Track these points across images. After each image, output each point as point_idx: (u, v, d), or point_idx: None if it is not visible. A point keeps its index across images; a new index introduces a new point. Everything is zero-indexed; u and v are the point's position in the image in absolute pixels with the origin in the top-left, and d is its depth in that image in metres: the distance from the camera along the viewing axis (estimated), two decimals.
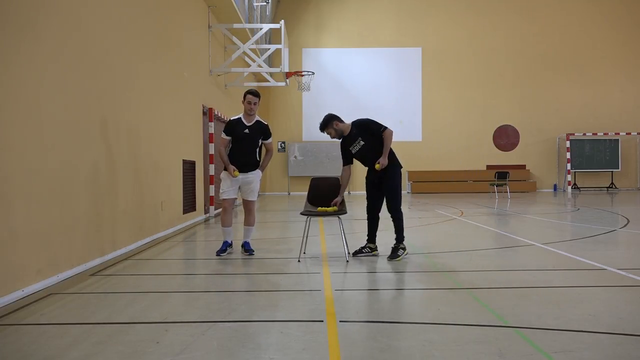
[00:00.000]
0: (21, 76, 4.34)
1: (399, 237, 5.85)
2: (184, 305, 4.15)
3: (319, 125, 6.14)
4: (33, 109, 4.50)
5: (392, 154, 5.89)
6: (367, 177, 6.10)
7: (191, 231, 8.99)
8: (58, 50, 4.95)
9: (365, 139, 5.87)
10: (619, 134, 21.00)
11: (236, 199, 6.25)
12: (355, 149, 5.93)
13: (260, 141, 6.34)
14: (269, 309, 3.93)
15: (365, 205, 6.13)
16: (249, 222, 6.37)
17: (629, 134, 21.00)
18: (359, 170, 22.18)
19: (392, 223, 5.89)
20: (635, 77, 21.31)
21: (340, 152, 6.16)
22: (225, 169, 6.10)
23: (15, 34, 4.27)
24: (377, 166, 5.72)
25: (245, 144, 6.17)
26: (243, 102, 6.33)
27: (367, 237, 6.13)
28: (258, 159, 6.27)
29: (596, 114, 21.25)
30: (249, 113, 6.31)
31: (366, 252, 6.06)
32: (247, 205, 6.31)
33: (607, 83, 21.29)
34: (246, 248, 6.25)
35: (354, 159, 6.09)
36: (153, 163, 7.70)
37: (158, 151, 7.97)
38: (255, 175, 6.22)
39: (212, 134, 11.47)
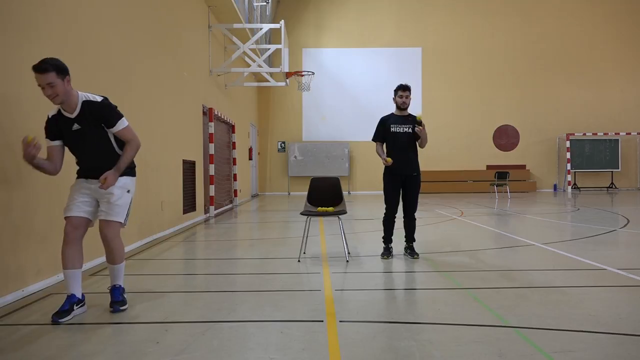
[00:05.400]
0: (21, 76, 4.34)
1: (414, 238, 6.07)
2: (184, 305, 4.14)
3: (406, 84, 6.05)
4: (33, 109, 4.50)
5: (418, 162, 6.02)
6: (388, 176, 5.99)
7: (191, 231, 8.99)
8: (58, 50, 4.94)
9: (413, 130, 5.94)
10: (619, 134, 21.00)
11: (89, 220, 3.88)
12: (398, 129, 5.93)
13: (105, 131, 3.81)
14: (269, 309, 3.93)
15: (385, 207, 6.02)
16: (108, 257, 3.98)
17: (629, 134, 21.00)
18: (359, 170, 21.94)
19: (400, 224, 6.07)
20: (635, 77, 21.30)
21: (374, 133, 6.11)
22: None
23: (15, 33, 4.27)
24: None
25: (82, 147, 3.84)
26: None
27: (385, 239, 6.07)
28: (115, 158, 3.87)
29: (596, 114, 21.25)
30: (54, 103, 3.70)
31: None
32: (102, 230, 3.86)
33: (607, 83, 21.29)
34: (113, 299, 3.92)
35: (384, 140, 6.08)
36: (153, 163, 7.69)
37: (158, 151, 7.96)
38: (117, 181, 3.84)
39: (212, 134, 11.47)
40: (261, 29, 13.65)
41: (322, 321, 3.57)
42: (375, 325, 3.57)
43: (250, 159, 18.19)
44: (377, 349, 3.07)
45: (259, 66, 13.84)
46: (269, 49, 14.70)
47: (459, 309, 3.88)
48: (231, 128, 14.17)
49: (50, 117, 3.79)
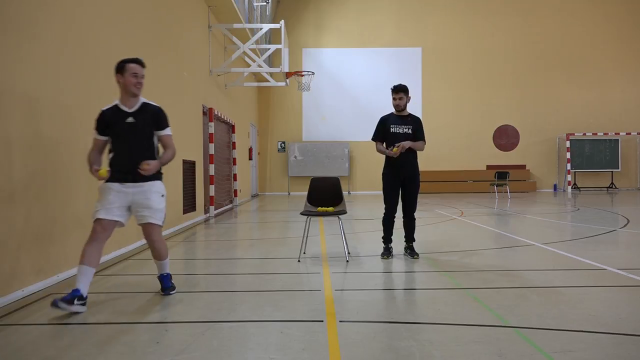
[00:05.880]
0: (21, 76, 4.34)
1: (413, 238, 6.06)
2: (184, 305, 4.14)
3: (399, 84, 6.02)
4: (33, 109, 4.50)
5: (417, 163, 6.00)
6: (387, 174, 5.99)
7: (191, 231, 8.98)
8: (58, 50, 4.95)
9: (412, 131, 5.94)
10: (619, 134, 21.00)
11: (117, 222, 4.12)
12: (398, 129, 5.92)
13: (153, 133, 4.28)
14: (269, 309, 3.93)
15: (385, 207, 6.01)
16: (155, 255, 4.39)
17: (629, 134, 20.99)
18: (359, 170, 21.94)
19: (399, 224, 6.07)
20: (636, 77, 21.30)
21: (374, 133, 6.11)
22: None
23: (15, 33, 4.27)
24: (395, 150, 5.72)
25: (129, 140, 4.16)
26: (120, 78, 4.20)
27: (385, 239, 6.06)
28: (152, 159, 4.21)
29: (596, 114, 21.25)
30: (134, 92, 4.18)
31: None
32: (146, 231, 4.25)
33: (607, 83, 21.29)
34: (164, 285, 4.42)
35: (384, 140, 6.06)
36: None
37: None
38: (151, 186, 4.19)
39: (212, 134, 11.47)
40: (261, 29, 13.65)
41: (322, 321, 3.57)
42: (375, 325, 3.57)
43: (250, 159, 18.19)
44: (377, 349, 3.07)
45: (259, 66, 13.84)
46: (269, 49, 14.70)
47: (459, 309, 3.88)
48: (231, 128, 14.17)
49: (103, 110, 4.17)
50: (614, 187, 21.18)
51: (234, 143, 14.31)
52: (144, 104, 4.24)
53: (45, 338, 3.36)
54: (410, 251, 5.99)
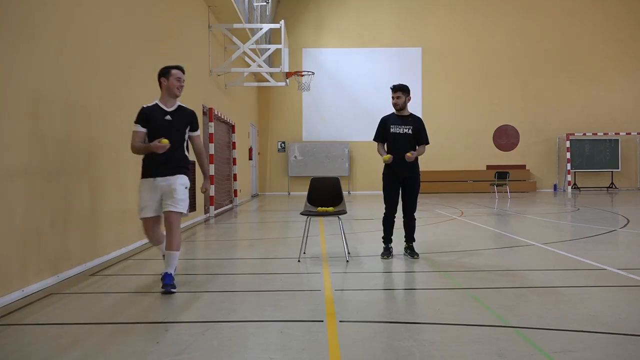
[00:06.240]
0: (21, 75, 4.34)
1: (413, 238, 6.05)
2: (184, 305, 4.14)
3: (398, 84, 6.03)
4: (33, 109, 4.50)
5: (417, 163, 5.99)
6: (387, 176, 6.00)
7: (191, 231, 8.98)
8: (58, 51, 4.95)
9: (413, 131, 5.94)
10: (619, 134, 21.00)
11: (159, 215, 4.67)
12: (398, 130, 5.92)
13: (185, 132, 4.80)
14: (269, 309, 3.93)
15: (385, 207, 6.02)
16: (168, 244, 4.60)
17: (629, 134, 20.99)
18: (359, 170, 21.92)
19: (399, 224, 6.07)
20: (636, 77, 21.29)
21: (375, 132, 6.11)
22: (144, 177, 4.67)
23: (15, 33, 4.27)
24: (408, 155, 5.75)
25: (166, 132, 4.61)
26: (164, 81, 4.71)
27: (385, 239, 6.06)
28: (183, 154, 4.79)
29: (596, 114, 21.24)
30: (176, 94, 4.74)
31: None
32: (168, 219, 4.58)
33: (607, 83, 21.28)
34: (165, 282, 4.49)
35: (384, 140, 6.08)
36: None
37: None
38: (177, 179, 4.64)
39: (212, 134, 11.46)
40: (261, 29, 13.64)
41: (322, 321, 3.57)
42: (375, 325, 3.57)
43: (250, 159, 18.19)
44: (377, 349, 3.07)
45: (259, 66, 13.84)
46: (269, 49, 14.70)
47: (459, 309, 3.88)
48: (231, 128, 14.16)
49: (144, 107, 4.74)
50: (614, 187, 21.18)
51: (234, 143, 14.31)
52: (180, 106, 4.82)
53: (45, 338, 3.36)
54: (410, 251, 5.99)
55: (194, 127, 4.86)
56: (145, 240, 7.29)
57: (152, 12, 7.92)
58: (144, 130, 4.68)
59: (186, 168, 4.79)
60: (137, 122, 4.68)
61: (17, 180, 4.26)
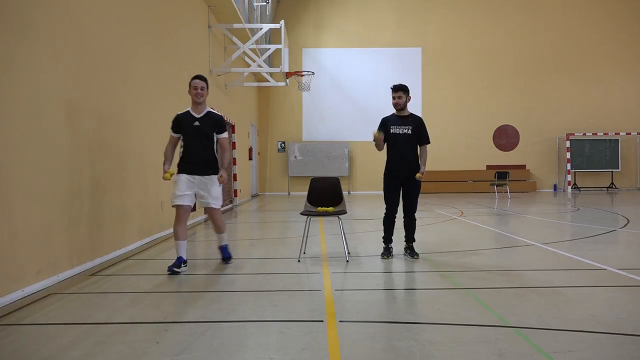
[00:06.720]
0: (21, 76, 4.34)
1: (413, 238, 6.06)
2: (184, 305, 4.14)
3: (399, 84, 6.04)
4: (33, 109, 4.50)
5: (418, 164, 5.98)
6: (387, 176, 6.00)
7: (191, 231, 8.98)
8: (58, 50, 4.95)
9: (412, 131, 5.94)
10: (619, 134, 20.99)
11: (191, 205, 5.45)
12: (398, 130, 5.93)
13: (213, 135, 5.47)
14: (269, 309, 3.93)
15: (385, 207, 6.02)
16: (216, 228, 5.70)
17: (629, 134, 20.99)
18: (359, 170, 21.90)
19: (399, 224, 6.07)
20: (636, 77, 21.28)
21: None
22: (179, 172, 5.43)
23: (15, 33, 4.27)
24: (418, 175, 5.79)
25: (194, 139, 5.38)
26: (189, 91, 5.47)
27: (385, 239, 6.06)
28: (213, 155, 5.48)
29: (596, 114, 21.24)
30: (195, 100, 5.40)
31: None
32: (210, 213, 5.61)
33: (607, 83, 21.27)
34: (224, 255, 5.75)
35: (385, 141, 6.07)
36: (153, 163, 7.69)
37: (158, 151, 7.94)
38: (211, 179, 5.45)
39: None
40: (261, 29, 13.64)
41: (322, 321, 3.57)
42: (375, 325, 3.57)
43: (250, 159, 18.19)
44: (377, 349, 3.07)
45: (259, 66, 13.84)
46: (269, 49, 14.69)
47: (459, 309, 3.88)
48: (231, 128, 14.15)
49: (177, 115, 5.43)
50: (614, 187, 21.17)
51: (233, 143, 14.31)
52: (209, 112, 5.47)
53: (45, 338, 3.35)
54: (410, 251, 5.99)
55: (221, 130, 5.48)
56: (146, 240, 7.31)
57: (152, 12, 7.92)
58: (176, 135, 5.40)
59: (217, 167, 5.44)
60: (171, 128, 5.40)
61: (17, 181, 4.26)
